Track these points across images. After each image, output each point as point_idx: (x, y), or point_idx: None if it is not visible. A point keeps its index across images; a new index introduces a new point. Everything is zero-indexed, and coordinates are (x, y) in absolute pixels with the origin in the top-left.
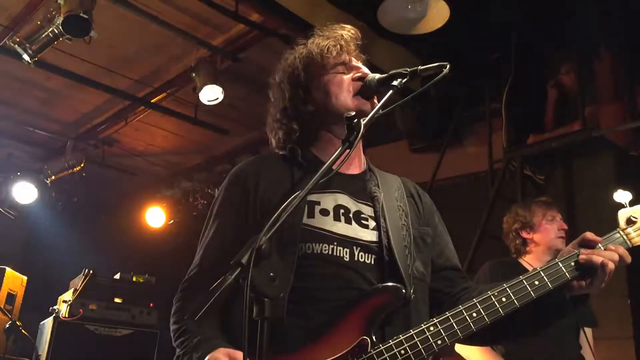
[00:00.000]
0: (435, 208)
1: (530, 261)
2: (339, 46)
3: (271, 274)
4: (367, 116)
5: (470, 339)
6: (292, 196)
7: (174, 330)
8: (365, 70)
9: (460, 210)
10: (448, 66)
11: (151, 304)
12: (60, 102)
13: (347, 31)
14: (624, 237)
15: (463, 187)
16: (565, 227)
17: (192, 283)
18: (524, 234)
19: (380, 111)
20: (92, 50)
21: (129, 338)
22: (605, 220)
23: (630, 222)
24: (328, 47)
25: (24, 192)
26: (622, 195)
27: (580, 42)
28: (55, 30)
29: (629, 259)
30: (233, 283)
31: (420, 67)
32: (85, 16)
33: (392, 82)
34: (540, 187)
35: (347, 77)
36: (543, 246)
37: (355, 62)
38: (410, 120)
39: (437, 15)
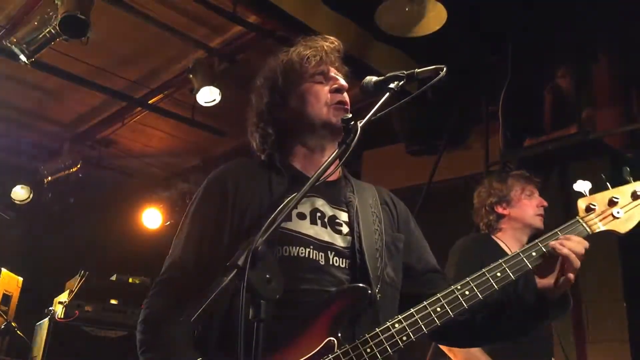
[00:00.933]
0: (410, 215)
1: (505, 239)
2: (319, 56)
3: (267, 275)
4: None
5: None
6: (288, 198)
7: (140, 340)
8: (343, 82)
9: (456, 212)
10: (445, 69)
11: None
12: (57, 102)
13: (329, 42)
14: (584, 224)
15: (460, 190)
16: (545, 204)
17: (163, 289)
18: (499, 209)
19: (377, 114)
20: (89, 51)
21: (125, 339)
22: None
23: (589, 209)
24: (308, 57)
25: (20, 193)
26: (581, 185)
27: (577, 46)
28: (52, 30)
29: (585, 244)
30: (229, 285)
31: (417, 70)
32: (83, 17)
33: (389, 84)
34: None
35: (324, 88)
36: (520, 223)
37: (334, 74)
38: (407, 122)
39: (435, 18)
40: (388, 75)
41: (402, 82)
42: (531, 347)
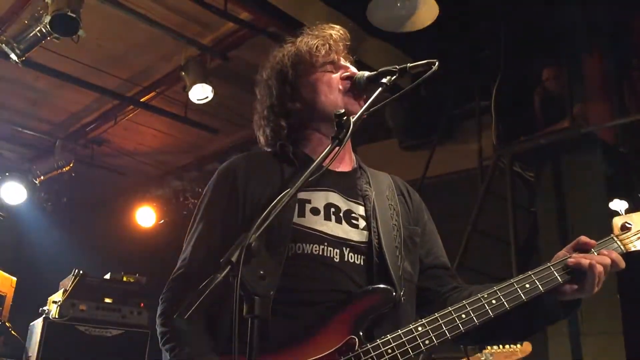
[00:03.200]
0: (424, 206)
1: None
2: (327, 45)
3: (261, 272)
4: (355, 114)
5: (459, 340)
6: (282, 194)
7: (162, 332)
8: (353, 69)
9: (450, 207)
10: (437, 63)
11: (142, 304)
12: (49, 101)
13: (336, 31)
14: (618, 243)
15: (453, 184)
16: None
17: (179, 282)
18: None
19: (370, 109)
20: (80, 50)
21: (119, 338)
22: (594, 216)
23: (624, 228)
24: (317, 46)
25: (13, 193)
26: (618, 204)
27: (569, 40)
28: (42, 29)
29: (622, 264)
30: (223, 281)
31: (409, 65)
32: (73, 15)
33: (382, 79)
34: (530, 183)
35: (335, 76)
36: None
37: (344, 62)
38: (400, 118)
39: (427, 13)
40: (380, 70)
41: (394, 77)
42: None
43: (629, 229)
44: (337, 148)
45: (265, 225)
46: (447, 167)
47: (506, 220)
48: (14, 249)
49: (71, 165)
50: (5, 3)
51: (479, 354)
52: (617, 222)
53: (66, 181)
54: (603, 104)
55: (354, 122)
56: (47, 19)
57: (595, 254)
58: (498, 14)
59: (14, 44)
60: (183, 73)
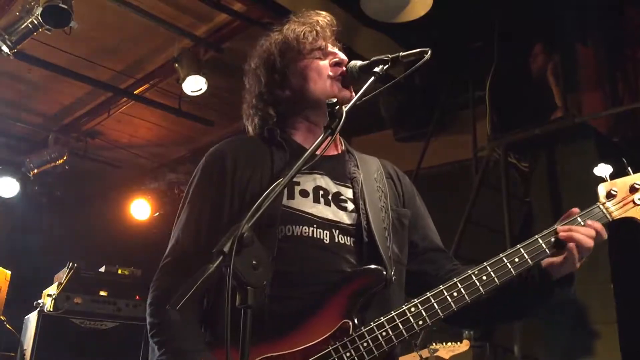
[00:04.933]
0: (416, 191)
1: None
2: (314, 32)
3: (254, 261)
4: (346, 103)
5: (455, 322)
6: (275, 183)
7: (151, 323)
8: (342, 55)
9: (445, 198)
10: (430, 52)
11: (137, 297)
12: (42, 94)
13: (323, 17)
14: (604, 211)
15: (448, 175)
16: None
17: (169, 269)
18: None
19: (363, 98)
20: (72, 42)
21: (115, 331)
22: (589, 205)
23: (610, 195)
24: (304, 33)
25: (6, 186)
26: (603, 169)
27: (562, 31)
28: (34, 20)
29: (605, 234)
30: (215, 272)
31: (401, 54)
32: (65, 6)
33: (374, 68)
34: (525, 174)
35: (324, 63)
36: None
37: (332, 48)
38: (394, 109)
39: (420, 3)
40: (373, 59)
41: (387, 66)
42: None
43: (614, 196)
44: (329, 138)
45: (258, 215)
46: (441, 158)
47: (501, 211)
48: (7, 242)
49: (65, 158)
50: None
51: (424, 350)
52: (601, 189)
53: (60, 174)
54: (597, 94)
55: (347, 111)
56: (39, 10)
57: (582, 223)
58: (492, 4)
59: (5, 36)
60: (177, 65)
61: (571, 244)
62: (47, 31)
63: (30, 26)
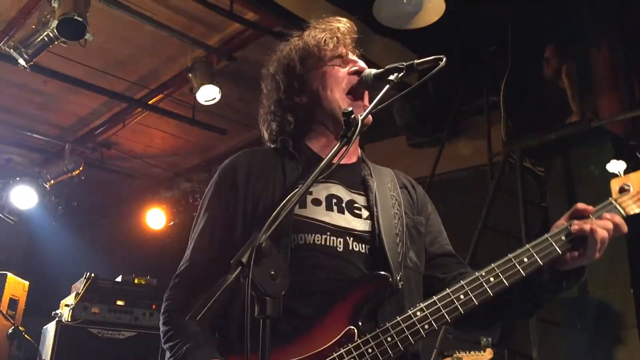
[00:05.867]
0: (428, 198)
1: None
2: (335, 39)
3: (272, 272)
4: (363, 112)
5: (465, 324)
6: (292, 193)
7: (164, 331)
8: (362, 64)
9: (460, 204)
10: (444, 59)
11: (154, 306)
12: (57, 106)
13: (344, 24)
14: (618, 206)
15: (463, 181)
16: None
17: (182, 280)
18: None
19: (378, 106)
20: (87, 53)
21: (132, 340)
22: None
23: (623, 190)
24: (325, 40)
25: (24, 197)
26: (616, 165)
27: (577, 34)
28: (50, 33)
29: (625, 227)
30: (234, 282)
31: (416, 61)
32: (80, 19)
33: (389, 76)
34: (541, 178)
35: (343, 71)
36: None
37: (351, 56)
38: (408, 115)
39: (433, 9)
40: (387, 67)
41: (401, 73)
42: None
43: (627, 190)
44: (345, 146)
45: (275, 225)
46: (456, 164)
47: (517, 216)
48: (25, 253)
49: (81, 168)
50: (12, 8)
51: (448, 359)
52: (614, 185)
53: (76, 185)
54: (613, 97)
55: (362, 120)
56: (55, 23)
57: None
58: (505, 9)
59: (22, 49)
60: (190, 75)
61: (589, 236)
62: (62, 44)
63: (46, 39)
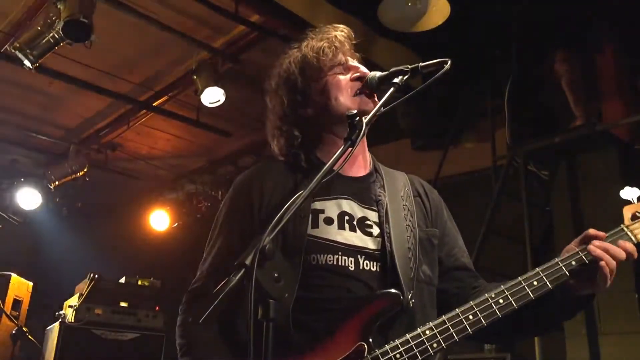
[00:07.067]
0: (444, 204)
1: None
2: (334, 47)
3: (275, 274)
4: (368, 114)
5: (474, 338)
6: (295, 196)
7: (180, 344)
8: (364, 69)
9: (464, 207)
10: (449, 62)
11: (157, 307)
12: (62, 107)
13: (340, 31)
14: (629, 233)
15: (467, 185)
16: None
17: (198, 294)
18: None
19: (382, 109)
20: (92, 55)
21: (135, 342)
22: (611, 214)
23: (635, 217)
24: (323, 49)
25: (28, 198)
26: (629, 192)
27: (582, 38)
28: (55, 35)
29: (636, 254)
30: (237, 284)
31: (421, 64)
32: (85, 20)
33: (394, 79)
34: (545, 182)
35: (345, 78)
36: None
37: (352, 62)
38: (412, 118)
39: (438, 12)
40: (392, 70)
41: (406, 76)
42: None
43: (639, 218)
44: (349, 150)
45: (279, 227)
46: (460, 167)
47: (521, 220)
48: (29, 254)
49: (85, 170)
50: (18, 10)
51: None
52: (627, 211)
53: (80, 186)
54: (618, 101)
55: (367, 123)
56: (60, 25)
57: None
58: (510, 13)
59: (28, 50)
60: (195, 76)
61: (602, 263)
62: (68, 45)
63: (52, 40)
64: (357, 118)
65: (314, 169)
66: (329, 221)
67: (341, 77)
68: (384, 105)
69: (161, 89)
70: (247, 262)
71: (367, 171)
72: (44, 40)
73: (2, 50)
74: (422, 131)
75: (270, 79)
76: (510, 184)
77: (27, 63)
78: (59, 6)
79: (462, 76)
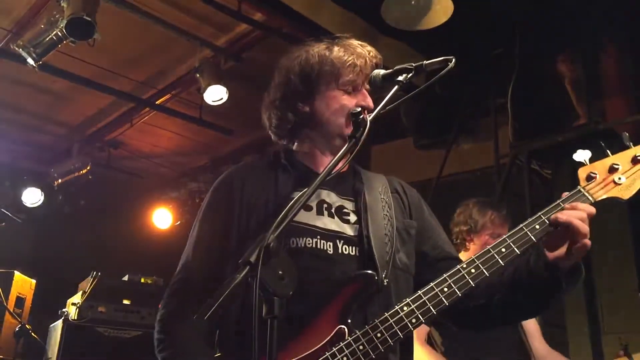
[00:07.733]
0: (423, 202)
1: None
2: (358, 67)
3: (280, 272)
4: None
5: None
6: (300, 194)
7: (158, 339)
8: (370, 102)
9: None
10: (453, 60)
11: (160, 305)
12: (66, 105)
13: (370, 54)
14: (586, 194)
15: (470, 183)
16: None
17: (177, 289)
18: (467, 237)
19: (386, 107)
20: (96, 53)
21: (138, 339)
22: (614, 212)
23: (590, 178)
24: (348, 62)
25: (31, 196)
26: (581, 154)
27: (585, 36)
28: (59, 33)
29: (593, 210)
30: (242, 282)
31: (425, 62)
32: (89, 19)
33: (397, 77)
34: (548, 181)
35: (351, 100)
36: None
37: (364, 87)
38: (415, 116)
39: (441, 10)
40: (396, 68)
41: (410, 74)
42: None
43: (594, 178)
44: (353, 147)
45: (283, 225)
46: (463, 166)
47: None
48: (32, 251)
49: (88, 168)
50: (21, 8)
51: None
52: (581, 173)
53: (83, 184)
54: (621, 100)
55: (371, 121)
56: (63, 23)
57: (564, 207)
58: (513, 10)
59: (31, 48)
60: (198, 75)
61: (563, 218)
62: (71, 43)
63: (55, 38)
64: (361, 116)
65: (294, 168)
66: (307, 208)
67: (348, 97)
68: (387, 103)
69: (164, 87)
70: (252, 259)
71: (347, 168)
72: (48, 38)
73: (5, 49)
74: (425, 130)
75: (289, 57)
76: (513, 183)
77: (30, 61)
78: (62, 4)
79: (465, 74)
